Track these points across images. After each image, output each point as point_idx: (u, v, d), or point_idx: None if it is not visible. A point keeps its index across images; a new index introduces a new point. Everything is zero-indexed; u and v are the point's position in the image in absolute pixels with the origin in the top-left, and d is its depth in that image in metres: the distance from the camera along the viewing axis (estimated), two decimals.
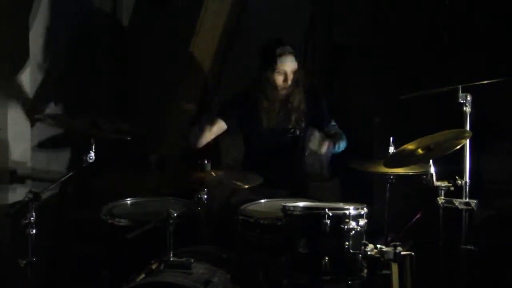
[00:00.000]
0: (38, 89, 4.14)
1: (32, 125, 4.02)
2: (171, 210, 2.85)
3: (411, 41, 4.67)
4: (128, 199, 3.51)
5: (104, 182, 4.27)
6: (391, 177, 3.42)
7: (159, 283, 2.67)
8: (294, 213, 2.87)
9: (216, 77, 4.90)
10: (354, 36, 4.96)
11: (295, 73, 3.67)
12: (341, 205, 2.91)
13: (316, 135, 3.85)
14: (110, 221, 3.23)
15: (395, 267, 2.86)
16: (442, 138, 3.09)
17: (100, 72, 4.87)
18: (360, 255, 2.80)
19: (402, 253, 2.76)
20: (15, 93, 3.89)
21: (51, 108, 4.22)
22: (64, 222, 3.98)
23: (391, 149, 3.31)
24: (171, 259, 2.83)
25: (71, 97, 4.42)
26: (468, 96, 3.10)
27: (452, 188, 3.12)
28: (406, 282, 3.00)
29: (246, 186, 3.29)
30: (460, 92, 3.11)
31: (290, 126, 3.75)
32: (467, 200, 3.11)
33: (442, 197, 3.12)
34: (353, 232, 2.78)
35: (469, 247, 3.12)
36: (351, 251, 2.78)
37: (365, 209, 2.87)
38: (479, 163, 3.93)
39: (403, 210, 3.62)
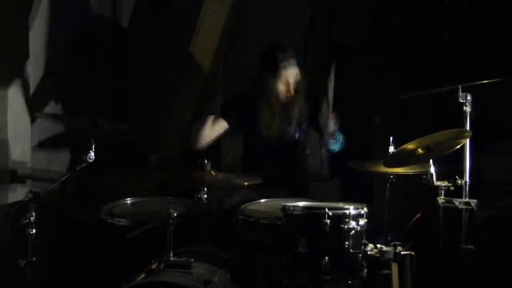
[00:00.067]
0: (38, 89, 4.14)
1: (32, 125, 4.02)
2: (171, 210, 2.85)
3: (411, 41, 4.67)
4: (128, 199, 3.51)
5: (104, 182, 4.27)
6: (391, 176, 3.42)
7: (159, 283, 2.68)
8: (294, 212, 2.87)
9: (216, 77, 4.90)
10: (354, 36, 4.96)
11: (297, 83, 3.67)
12: (341, 204, 2.90)
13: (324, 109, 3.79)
14: (110, 221, 3.23)
15: (395, 267, 2.86)
16: (442, 138, 3.09)
17: (100, 72, 4.88)
18: (360, 255, 2.80)
19: (402, 252, 2.76)
20: (15, 93, 3.89)
21: (51, 108, 4.23)
22: (64, 222, 3.98)
23: (391, 149, 3.31)
24: (171, 259, 2.83)
25: (71, 97, 4.42)
26: (468, 96, 3.10)
27: (452, 188, 3.12)
28: (406, 282, 3.00)
29: (246, 183, 3.29)
30: (460, 92, 3.11)
31: (290, 131, 3.76)
32: (467, 200, 3.11)
33: (442, 197, 3.12)
34: (353, 231, 2.78)
35: (469, 247, 3.12)
36: (351, 250, 2.78)
37: (365, 209, 2.87)
38: (479, 163, 3.93)
39: (403, 210, 3.62)
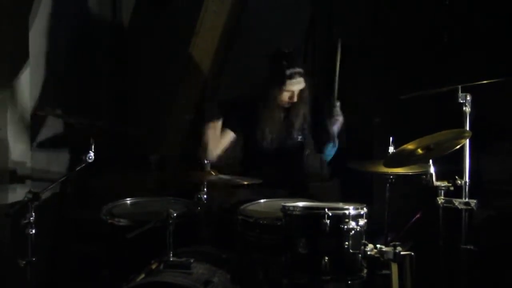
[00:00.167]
0: (38, 89, 4.14)
1: (32, 125, 4.02)
2: (171, 210, 2.85)
3: (411, 41, 4.67)
4: (128, 199, 3.51)
5: (104, 182, 4.27)
6: (391, 177, 3.42)
7: (159, 283, 2.67)
8: (294, 213, 2.87)
9: (216, 77, 4.90)
10: (354, 36, 4.96)
11: (301, 90, 3.68)
12: (340, 205, 2.90)
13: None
14: (110, 221, 3.23)
15: (394, 267, 2.86)
16: (442, 138, 3.09)
17: (100, 72, 4.88)
18: (360, 255, 2.80)
19: (401, 253, 2.76)
20: (15, 93, 3.89)
21: (51, 108, 4.22)
22: (64, 222, 3.98)
23: (391, 149, 3.31)
24: (171, 259, 2.83)
25: (71, 97, 4.42)
26: (468, 96, 3.10)
27: (452, 188, 3.12)
28: (406, 282, 2.99)
29: (245, 182, 3.29)
30: (460, 92, 3.11)
31: (293, 135, 3.77)
32: (467, 200, 3.11)
33: (442, 197, 3.12)
34: (353, 232, 2.78)
35: (469, 247, 3.12)
36: (350, 251, 2.78)
37: (365, 209, 2.87)
38: (479, 163, 3.93)
39: (403, 210, 3.62)
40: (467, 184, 3.11)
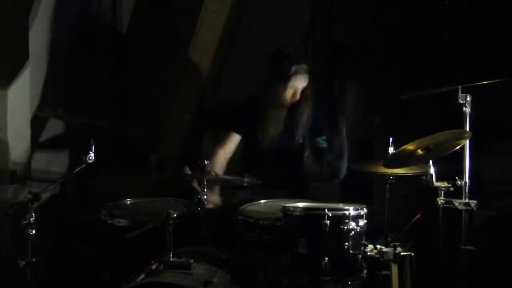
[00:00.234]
0: (38, 89, 4.14)
1: (32, 125, 4.02)
2: (171, 210, 2.85)
3: (411, 41, 4.67)
4: (128, 199, 3.51)
5: (104, 183, 4.27)
6: (391, 177, 3.42)
7: (158, 283, 2.67)
8: (294, 213, 2.87)
9: (216, 77, 4.90)
10: (354, 36, 4.96)
11: (304, 89, 3.68)
12: (340, 205, 2.91)
13: None
14: (110, 221, 3.23)
15: (394, 268, 2.86)
16: (442, 138, 3.09)
17: (100, 72, 4.88)
18: (360, 256, 2.80)
19: (401, 253, 2.76)
20: (15, 93, 3.88)
21: (51, 109, 4.22)
22: (64, 222, 3.98)
23: (391, 150, 3.31)
24: (171, 260, 2.83)
25: (71, 98, 4.42)
26: (468, 96, 3.10)
27: (452, 189, 3.12)
28: (406, 283, 3.00)
29: (246, 179, 3.28)
30: (459, 92, 3.11)
31: (296, 137, 3.77)
32: (466, 200, 3.11)
33: (442, 198, 3.12)
34: (353, 232, 2.78)
35: (469, 247, 3.12)
36: (350, 251, 2.78)
37: (365, 210, 2.87)
38: (479, 164, 3.93)
39: (403, 210, 3.62)
40: (467, 184, 3.11)
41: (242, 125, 3.79)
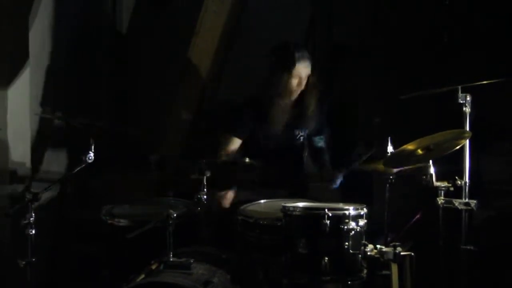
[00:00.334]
0: (38, 89, 4.14)
1: (32, 125, 4.02)
2: (171, 210, 2.85)
3: (411, 41, 4.67)
4: (128, 199, 3.51)
5: (104, 183, 4.27)
6: (391, 177, 3.42)
7: (158, 283, 2.68)
8: (294, 213, 2.87)
9: (216, 77, 4.90)
10: (354, 36, 4.96)
11: (308, 77, 3.69)
12: (340, 205, 2.91)
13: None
14: (110, 221, 3.23)
15: (394, 268, 2.86)
16: (442, 138, 3.09)
17: (100, 72, 4.88)
18: (360, 256, 2.80)
19: (401, 253, 2.76)
20: (15, 93, 3.89)
21: (51, 110, 4.22)
22: (64, 222, 3.98)
23: (390, 149, 3.31)
24: (171, 260, 2.83)
25: (71, 98, 4.43)
26: (468, 96, 3.10)
27: (452, 189, 3.12)
28: (406, 283, 2.99)
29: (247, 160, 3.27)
30: (460, 92, 3.11)
31: (301, 131, 3.78)
32: (466, 200, 3.11)
33: (442, 198, 3.12)
34: (353, 232, 2.78)
35: (469, 247, 3.12)
36: (350, 251, 2.78)
37: (365, 209, 2.87)
38: (479, 163, 3.92)
39: (403, 210, 3.61)
40: (467, 184, 3.12)
41: (242, 126, 3.77)
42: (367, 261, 2.84)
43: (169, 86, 4.78)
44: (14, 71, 3.90)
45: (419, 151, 3.12)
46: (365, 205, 2.90)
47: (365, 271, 2.84)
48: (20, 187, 3.87)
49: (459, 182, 3.11)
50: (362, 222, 2.83)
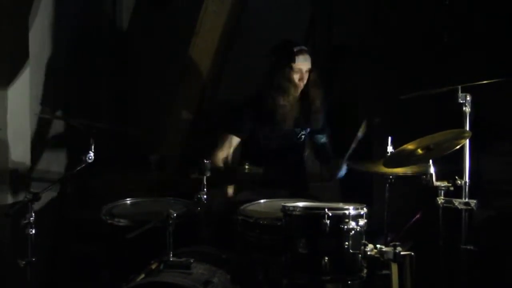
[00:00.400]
0: (38, 89, 4.14)
1: (32, 125, 4.02)
2: (171, 210, 2.85)
3: (411, 41, 4.67)
4: (128, 199, 3.51)
5: (104, 182, 4.27)
6: (391, 177, 3.42)
7: (158, 283, 2.67)
8: (294, 213, 2.87)
9: (216, 77, 4.90)
10: (354, 36, 4.96)
11: (310, 72, 3.70)
12: (340, 205, 2.91)
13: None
14: (110, 221, 3.23)
15: (394, 267, 2.86)
16: (442, 138, 3.09)
17: (100, 72, 4.88)
18: (360, 255, 2.80)
19: (401, 253, 2.76)
20: (15, 93, 3.89)
21: (51, 108, 4.23)
22: (64, 222, 3.98)
23: (390, 149, 3.31)
24: (171, 259, 2.83)
25: (71, 97, 4.43)
26: (468, 96, 3.10)
27: (451, 188, 3.12)
28: (406, 282, 2.99)
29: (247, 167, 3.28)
30: (459, 92, 3.11)
31: (303, 130, 3.79)
32: (466, 200, 3.11)
33: (442, 197, 3.12)
34: (353, 232, 2.78)
35: (469, 247, 3.12)
36: (350, 251, 2.78)
37: (365, 209, 2.87)
38: (479, 163, 3.93)
39: (402, 210, 3.62)
40: (467, 184, 3.11)
41: (242, 126, 3.78)
42: (367, 261, 2.83)
43: (169, 86, 4.78)
44: (14, 71, 3.91)
45: (419, 151, 3.12)
46: (365, 205, 2.89)
47: (365, 271, 2.84)
48: (20, 187, 3.87)
49: (459, 182, 3.11)
50: (362, 222, 2.82)
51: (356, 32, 4.96)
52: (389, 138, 3.33)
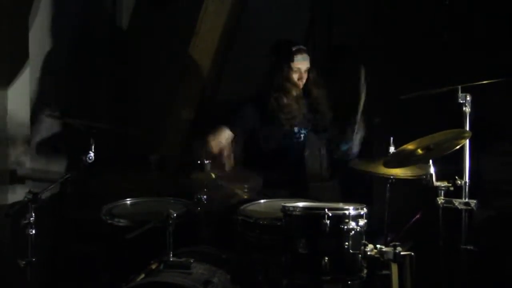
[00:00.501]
0: (38, 89, 4.14)
1: (31, 125, 4.02)
2: (171, 210, 2.85)
3: (411, 41, 4.67)
4: (128, 199, 3.51)
5: (104, 183, 4.27)
6: (391, 177, 3.42)
7: (158, 283, 2.68)
8: (294, 213, 2.87)
9: (216, 77, 4.90)
10: (354, 36, 4.96)
11: (308, 72, 3.71)
12: (340, 205, 2.91)
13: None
14: (110, 221, 3.24)
15: (394, 267, 2.86)
16: (442, 138, 3.09)
17: (100, 72, 4.87)
18: (360, 255, 2.80)
19: (401, 253, 2.76)
20: (15, 93, 3.89)
21: (51, 108, 4.22)
22: (64, 222, 3.98)
23: (391, 149, 3.32)
24: (171, 259, 2.83)
25: (71, 97, 4.42)
26: (468, 96, 3.10)
27: (452, 188, 3.12)
28: (406, 283, 2.99)
29: (246, 190, 3.29)
30: (459, 92, 3.11)
31: (302, 129, 3.78)
32: (466, 200, 3.11)
33: (442, 197, 3.12)
34: (353, 232, 2.78)
35: (469, 247, 3.12)
36: (350, 251, 2.78)
37: (365, 209, 2.87)
38: (479, 163, 3.93)
39: (402, 210, 3.62)
40: (467, 184, 3.11)
41: (237, 121, 3.77)
42: (367, 261, 2.83)
43: (169, 86, 4.78)
44: (14, 71, 3.91)
45: (419, 151, 3.12)
46: (365, 205, 2.89)
47: (365, 271, 2.84)
48: (20, 187, 3.87)
49: (459, 182, 3.11)
50: (362, 222, 2.82)
51: (356, 32, 4.96)
52: (391, 138, 3.33)
